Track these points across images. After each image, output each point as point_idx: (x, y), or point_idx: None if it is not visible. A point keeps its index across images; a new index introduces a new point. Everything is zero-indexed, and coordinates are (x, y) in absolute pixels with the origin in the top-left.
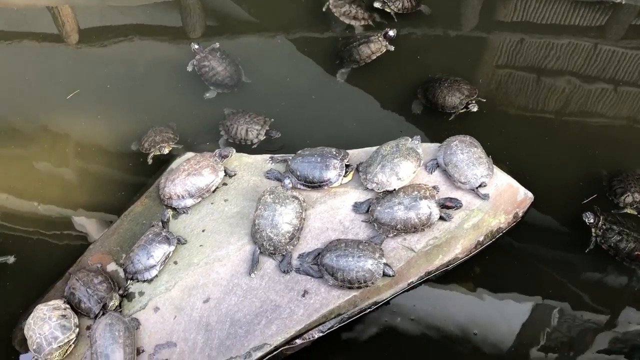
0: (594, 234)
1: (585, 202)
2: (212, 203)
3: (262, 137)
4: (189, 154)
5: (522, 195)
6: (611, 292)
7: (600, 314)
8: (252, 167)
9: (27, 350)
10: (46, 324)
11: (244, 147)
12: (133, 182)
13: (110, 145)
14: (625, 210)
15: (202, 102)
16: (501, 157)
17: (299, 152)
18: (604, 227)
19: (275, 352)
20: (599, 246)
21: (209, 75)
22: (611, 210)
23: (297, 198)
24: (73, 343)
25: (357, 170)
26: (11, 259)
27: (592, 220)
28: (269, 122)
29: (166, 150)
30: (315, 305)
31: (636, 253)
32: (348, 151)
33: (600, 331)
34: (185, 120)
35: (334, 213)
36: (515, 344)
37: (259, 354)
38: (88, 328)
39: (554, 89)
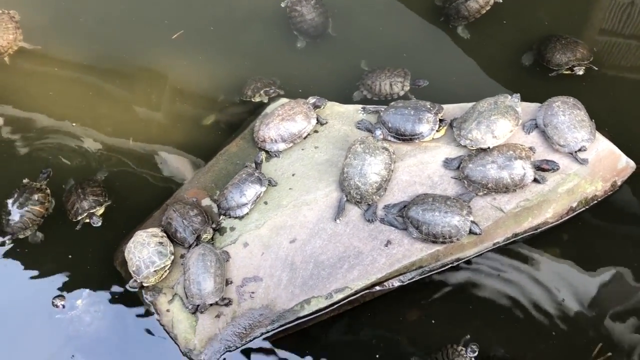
0: None
1: None
2: (302, 149)
3: (407, 89)
4: (283, 100)
5: (624, 164)
6: None
7: None
8: (343, 117)
9: (127, 271)
10: (145, 248)
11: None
12: (229, 122)
13: (209, 87)
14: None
15: (296, 50)
16: (603, 123)
17: (392, 103)
18: None
19: (355, 296)
20: None
21: (296, 20)
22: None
23: (387, 149)
24: (168, 269)
25: (450, 125)
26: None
27: None
28: (409, 73)
29: (266, 98)
30: (397, 255)
31: None
32: (443, 106)
33: None
34: (279, 66)
35: (423, 167)
36: (599, 316)
37: (340, 295)
38: (182, 257)
39: None
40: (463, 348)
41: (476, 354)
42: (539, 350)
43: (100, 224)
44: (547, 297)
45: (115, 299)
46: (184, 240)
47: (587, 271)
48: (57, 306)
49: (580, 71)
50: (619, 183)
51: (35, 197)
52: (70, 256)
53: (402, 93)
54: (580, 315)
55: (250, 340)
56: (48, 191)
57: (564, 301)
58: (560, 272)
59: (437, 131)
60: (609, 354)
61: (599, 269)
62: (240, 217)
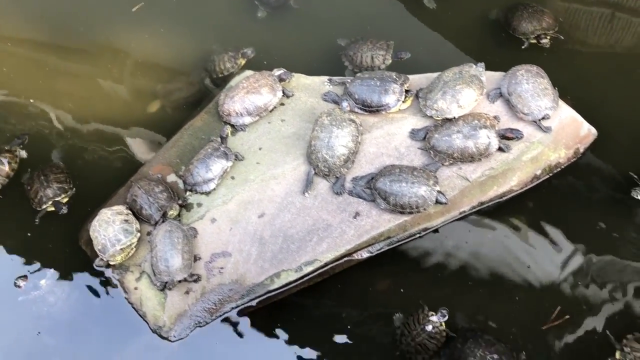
0: None
1: None
2: (269, 122)
3: (388, 62)
4: (248, 72)
5: (586, 131)
6: None
7: None
8: (309, 89)
9: (92, 250)
10: (110, 226)
11: (302, 69)
12: (194, 97)
13: (172, 60)
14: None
15: (260, 22)
16: (566, 92)
17: (358, 75)
18: None
19: (324, 268)
20: None
21: None
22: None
23: (354, 121)
24: (135, 247)
25: (416, 96)
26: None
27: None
28: (392, 46)
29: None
30: (365, 227)
31: None
32: (409, 76)
33: None
34: (243, 38)
35: (390, 139)
36: (562, 281)
37: (310, 268)
38: (149, 234)
39: (630, 25)
40: (433, 313)
41: (446, 318)
42: (503, 315)
43: (66, 211)
44: (513, 263)
45: (80, 279)
46: (149, 217)
47: (551, 238)
48: (19, 287)
49: (545, 41)
50: (581, 150)
51: (3, 157)
52: (29, 234)
53: (383, 66)
54: (543, 280)
55: (221, 315)
56: (18, 154)
57: (530, 267)
58: (526, 239)
59: (403, 102)
60: (567, 316)
61: (563, 236)
62: (207, 193)
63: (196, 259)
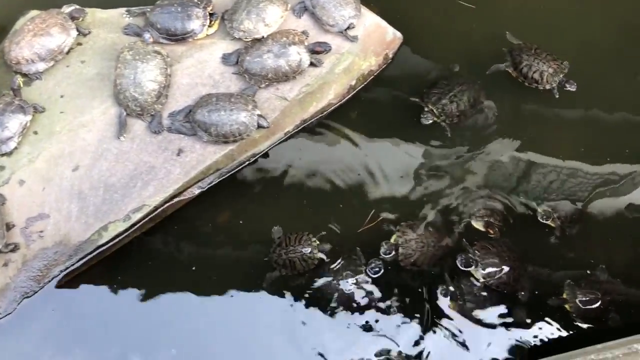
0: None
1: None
2: (67, 66)
3: None
4: (33, 12)
5: (391, 36)
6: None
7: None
8: (107, 24)
9: None
10: None
11: (95, 1)
12: None
13: None
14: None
15: None
16: None
17: (158, 2)
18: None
19: (155, 212)
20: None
21: None
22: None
23: (159, 53)
24: None
25: (222, 18)
26: None
27: (429, 121)
28: None
29: None
30: (191, 162)
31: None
32: None
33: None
34: None
35: (202, 67)
36: (393, 182)
37: (139, 215)
38: None
39: None
40: (317, 241)
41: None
42: (335, 220)
43: None
44: (344, 172)
45: None
46: None
47: (376, 143)
48: None
49: None
50: (390, 55)
51: None
52: None
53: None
54: (370, 185)
55: (50, 281)
56: None
57: (360, 175)
58: (353, 148)
59: (209, 26)
60: (381, 217)
61: (387, 140)
62: (9, 154)
63: (9, 227)
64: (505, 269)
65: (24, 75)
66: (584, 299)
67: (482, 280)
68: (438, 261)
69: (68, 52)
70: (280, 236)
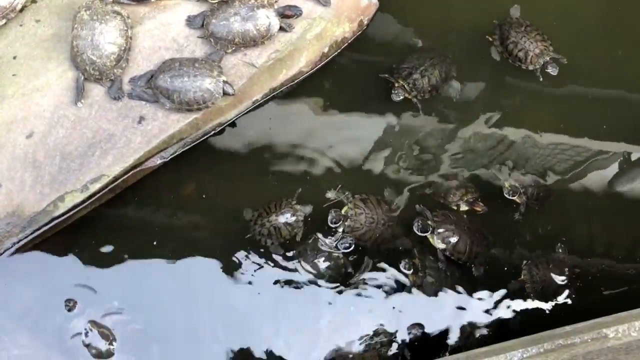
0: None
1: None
2: (21, 25)
3: None
4: None
5: (366, 2)
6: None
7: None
8: None
9: None
10: None
11: None
12: None
13: None
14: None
15: None
16: None
17: None
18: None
19: (115, 183)
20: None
21: None
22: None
23: (119, 14)
24: None
25: None
26: None
27: (400, 97)
28: None
29: None
30: (153, 131)
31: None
32: None
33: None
34: None
35: (165, 30)
36: (367, 155)
37: (97, 185)
38: None
39: None
40: (298, 206)
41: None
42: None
43: None
44: (313, 144)
45: None
46: None
47: (351, 113)
48: None
49: None
50: (365, 22)
51: None
52: None
53: None
54: (341, 158)
55: (2, 253)
56: None
57: (331, 147)
58: (325, 119)
59: None
60: (340, 184)
61: (359, 111)
62: None
63: None
64: (463, 237)
65: None
66: (540, 279)
67: (439, 246)
68: (385, 242)
69: (22, 10)
70: (256, 211)
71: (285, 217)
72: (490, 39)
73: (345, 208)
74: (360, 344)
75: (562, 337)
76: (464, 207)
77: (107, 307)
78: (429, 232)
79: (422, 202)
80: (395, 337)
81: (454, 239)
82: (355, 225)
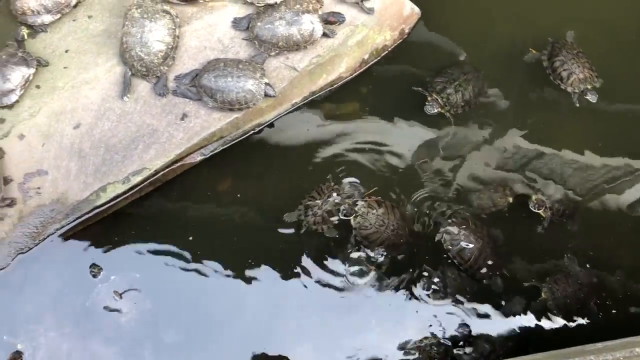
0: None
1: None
2: (74, 20)
3: None
4: None
5: (409, 10)
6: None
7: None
8: None
9: None
10: None
11: None
12: None
13: None
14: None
15: None
16: None
17: None
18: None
19: (155, 176)
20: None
21: None
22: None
23: (168, 13)
24: None
25: None
26: None
27: (434, 111)
28: None
29: None
30: (195, 128)
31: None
32: None
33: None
34: None
35: (211, 30)
36: (404, 161)
37: (138, 178)
38: None
39: None
40: (337, 187)
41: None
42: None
43: None
44: (349, 148)
45: None
46: None
47: (386, 120)
48: None
49: None
50: (407, 31)
51: None
52: None
53: None
54: (374, 158)
55: (45, 238)
56: None
57: (366, 151)
58: (361, 124)
59: None
60: (375, 187)
61: (395, 118)
62: (9, 106)
63: (7, 181)
64: (472, 247)
65: (29, 26)
66: (562, 294)
67: (449, 248)
68: (393, 249)
69: (75, 6)
70: (301, 205)
71: (333, 199)
72: (534, 52)
73: (360, 204)
74: (410, 347)
75: (593, 353)
76: (509, 200)
77: (138, 298)
78: (440, 229)
79: (431, 211)
80: (445, 338)
81: (463, 244)
82: (364, 224)
